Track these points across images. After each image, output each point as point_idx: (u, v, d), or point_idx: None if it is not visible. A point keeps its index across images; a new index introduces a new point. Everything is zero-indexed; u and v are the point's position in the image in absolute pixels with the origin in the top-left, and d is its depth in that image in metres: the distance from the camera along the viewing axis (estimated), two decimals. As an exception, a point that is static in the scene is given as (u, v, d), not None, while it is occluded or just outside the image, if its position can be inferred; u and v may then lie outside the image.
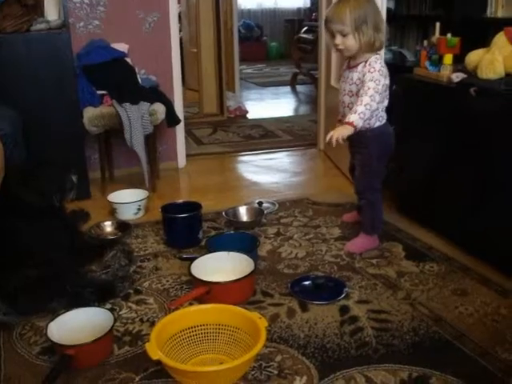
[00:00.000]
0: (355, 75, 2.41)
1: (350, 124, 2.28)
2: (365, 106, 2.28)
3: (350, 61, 2.48)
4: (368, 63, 2.36)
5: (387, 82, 2.38)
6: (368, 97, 2.29)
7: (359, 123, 2.29)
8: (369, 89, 2.30)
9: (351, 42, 2.33)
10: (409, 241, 2.68)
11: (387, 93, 2.42)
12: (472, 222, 2.46)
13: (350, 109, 2.39)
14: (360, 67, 2.39)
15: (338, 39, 2.35)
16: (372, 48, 2.36)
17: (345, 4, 2.31)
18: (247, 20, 10.77)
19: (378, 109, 2.38)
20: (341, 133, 2.28)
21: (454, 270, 2.37)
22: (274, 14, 11.27)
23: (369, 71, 2.34)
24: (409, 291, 2.21)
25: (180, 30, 3.98)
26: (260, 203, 3.15)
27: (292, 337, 1.93)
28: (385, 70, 2.37)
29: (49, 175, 2.46)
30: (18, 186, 2.38)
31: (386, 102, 2.44)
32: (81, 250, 2.47)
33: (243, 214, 3.00)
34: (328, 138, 2.30)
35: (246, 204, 3.12)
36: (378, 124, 2.45)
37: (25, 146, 2.90)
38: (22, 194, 2.34)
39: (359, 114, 2.28)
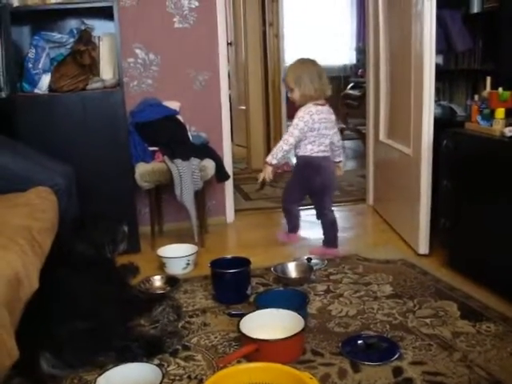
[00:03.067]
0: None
1: (266, 163, 3.11)
2: (276, 147, 3.11)
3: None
4: (300, 109, 3.10)
5: (310, 125, 3.06)
6: (282, 139, 3.12)
7: (272, 161, 3.08)
8: (286, 132, 3.13)
9: (294, 95, 3.10)
10: (463, 299, 2.59)
11: (314, 133, 3.09)
12: (531, 281, 2.36)
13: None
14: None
15: (289, 93, 3.14)
16: (310, 99, 3.08)
17: (290, 68, 3.15)
18: (294, 77, 10.93)
19: (298, 144, 3.11)
20: (264, 172, 3.12)
21: (513, 331, 2.27)
22: (320, 71, 11.43)
23: (294, 118, 3.08)
24: (465, 352, 2.12)
25: (229, 88, 4.06)
26: (309, 259, 3.12)
27: (344, 399, 1.86)
28: (307, 117, 3.05)
29: (102, 227, 2.52)
30: (73, 237, 2.44)
31: (313, 139, 3.11)
32: (130, 304, 2.47)
33: (292, 270, 2.97)
34: (259, 180, 3.18)
35: (294, 260, 3.10)
36: (301, 153, 3.15)
37: (78, 200, 2.98)
38: (76, 245, 2.39)
39: (272, 154, 3.11)
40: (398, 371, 2.02)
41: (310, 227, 3.85)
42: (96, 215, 2.68)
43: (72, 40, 3.31)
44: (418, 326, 2.36)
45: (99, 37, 3.34)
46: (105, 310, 2.23)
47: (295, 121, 3.08)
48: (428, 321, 2.40)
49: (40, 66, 3.20)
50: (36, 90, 3.21)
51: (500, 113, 2.64)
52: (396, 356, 2.10)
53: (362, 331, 2.32)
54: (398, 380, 1.96)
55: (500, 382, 1.92)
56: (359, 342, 2.20)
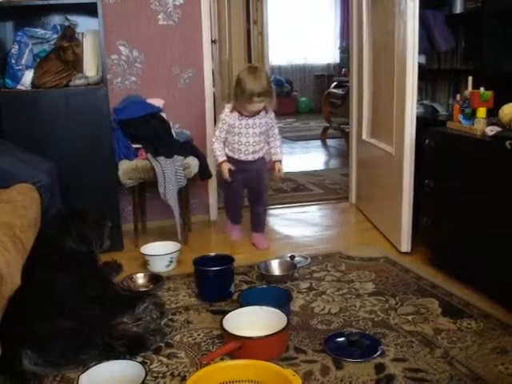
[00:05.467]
0: (263, 120, 3.21)
1: (281, 161, 3.33)
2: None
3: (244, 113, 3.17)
4: (270, 111, 3.23)
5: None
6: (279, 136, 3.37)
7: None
8: (276, 131, 3.32)
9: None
10: (445, 297, 2.62)
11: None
12: (510, 278, 2.39)
13: (256, 145, 3.24)
14: (263, 114, 3.21)
15: (262, 104, 3.11)
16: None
17: (264, 79, 3.07)
18: (278, 76, 10.95)
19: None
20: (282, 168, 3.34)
21: (493, 327, 2.30)
22: (303, 70, 11.45)
23: (271, 118, 3.25)
24: (446, 349, 2.15)
25: (213, 86, 4.06)
26: (292, 257, 3.12)
27: (326, 395, 1.88)
28: None
29: (89, 222, 2.53)
30: (62, 232, 2.43)
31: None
32: (113, 302, 2.47)
33: (275, 267, 2.98)
34: (282, 174, 3.36)
35: (278, 258, 3.11)
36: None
37: (60, 197, 2.96)
38: (67, 240, 2.39)
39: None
40: (380, 368, 2.03)
41: (295, 225, 3.88)
42: (83, 210, 2.67)
43: (55, 36, 3.29)
44: (400, 323, 2.38)
45: (83, 33, 3.32)
46: (88, 307, 2.23)
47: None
48: (410, 318, 2.42)
49: (23, 61, 3.18)
50: (19, 86, 3.19)
51: (481, 112, 2.67)
52: (378, 353, 2.11)
53: (344, 328, 2.34)
54: (380, 377, 1.98)
55: (480, 378, 1.95)
56: (342, 339, 2.22)
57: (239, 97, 3.09)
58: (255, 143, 3.25)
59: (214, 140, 3.25)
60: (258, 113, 3.18)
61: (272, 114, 3.26)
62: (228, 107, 3.22)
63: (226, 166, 3.22)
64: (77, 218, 2.60)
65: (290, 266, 2.97)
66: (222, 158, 3.23)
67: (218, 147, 3.23)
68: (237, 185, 3.33)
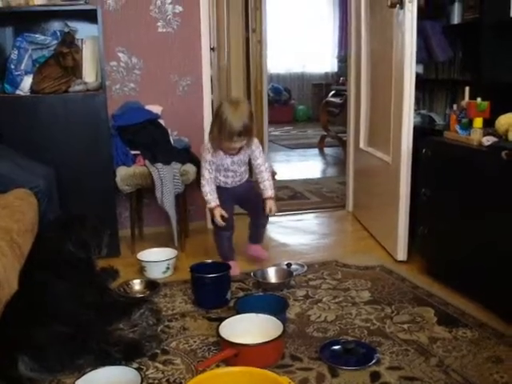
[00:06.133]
0: (246, 154, 3.05)
1: (272, 197, 3.10)
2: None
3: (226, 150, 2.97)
4: (255, 145, 3.04)
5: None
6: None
7: None
8: (260, 161, 3.08)
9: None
10: (440, 306, 2.62)
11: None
12: (506, 287, 2.40)
13: (242, 174, 3.10)
14: (245, 148, 3.00)
15: (244, 142, 2.92)
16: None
17: (246, 118, 2.84)
18: (276, 84, 10.99)
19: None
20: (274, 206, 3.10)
21: (488, 337, 2.30)
22: (301, 78, 11.50)
23: (258, 148, 3.07)
24: (442, 358, 2.15)
25: (211, 93, 4.07)
26: (289, 265, 3.13)
27: (322, 403, 1.88)
28: None
29: (89, 228, 2.54)
30: (62, 236, 2.44)
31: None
32: (109, 308, 2.47)
33: (272, 275, 2.98)
34: (274, 211, 3.10)
35: (274, 265, 3.11)
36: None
37: (58, 202, 2.97)
38: (67, 244, 2.40)
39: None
40: (375, 376, 2.04)
41: (292, 233, 3.88)
42: (83, 216, 2.68)
43: (55, 42, 3.30)
44: (396, 331, 2.38)
45: (82, 39, 3.33)
46: (84, 313, 2.23)
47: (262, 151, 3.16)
48: (405, 326, 2.42)
49: (22, 67, 3.20)
50: (18, 92, 3.20)
51: (478, 122, 2.68)
52: (374, 361, 2.12)
53: (340, 336, 2.34)
54: (376, 385, 1.98)
55: (475, 387, 1.96)
56: (337, 347, 2.22)
57: (218, 132, 2.87)
58: (242, 173, 3.11)
59: (204, 183, 3.00)
60: (239, 150, 3.01)
61: (254, 142, 3.04)
62: (210, 146, 2.99)
63: (219, 213, 2.98)
64: (77, 223, 2.61)
65: (287, 274, 2.97)
66: (214, 203, 2.99)
67: (210, 190, 2.99)
68: (229, 219, 3.07)
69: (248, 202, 3.20)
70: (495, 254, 2.46)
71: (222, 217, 2.99)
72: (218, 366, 2.08)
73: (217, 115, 2.89)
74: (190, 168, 3.45)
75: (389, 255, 3.31)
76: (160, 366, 2.13)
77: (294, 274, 3.00)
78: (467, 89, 2.87)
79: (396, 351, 2.21)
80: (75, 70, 3.28)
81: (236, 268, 3.03)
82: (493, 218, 2.47)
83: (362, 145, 4.01)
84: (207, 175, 3.00)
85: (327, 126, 7.79)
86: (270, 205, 3.09)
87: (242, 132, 2.84)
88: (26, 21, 3.32)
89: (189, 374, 2.07)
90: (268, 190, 3.10)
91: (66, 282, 2.31)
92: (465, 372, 2.04)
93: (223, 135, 2.85)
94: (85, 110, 3.20)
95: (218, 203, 3.00)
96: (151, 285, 2.90)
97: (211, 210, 3.03)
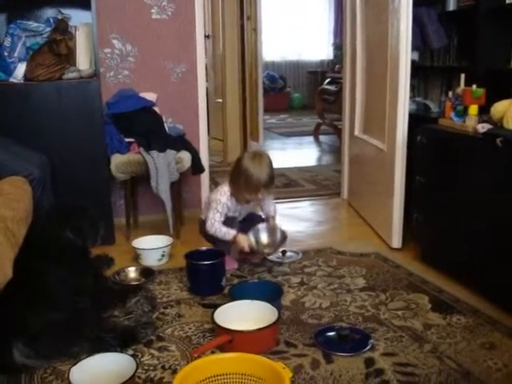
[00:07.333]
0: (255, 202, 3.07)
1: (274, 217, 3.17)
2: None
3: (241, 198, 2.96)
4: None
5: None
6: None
7: None
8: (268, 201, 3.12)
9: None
10: (435, 292, 2.64)
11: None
12: (500, 274, 2.41)
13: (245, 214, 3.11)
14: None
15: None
16: None
17: (269, 169, 2.87)
18: (271, 72, 10.95)
19: None
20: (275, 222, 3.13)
21: (482, 323, 2.32)
22: (297, 66, 11.46)
23: (271, 195, 3.10)
24: (436, 344, 2.16)
25: (206, 81, 4.05)
26: (284, 252, 3.14)
27: (316, 388, 1.89)
28: None
29: (87, 217, 2.54)
30: (61, 224, 2.44)
31: None
32: (104, 296, 2.47)
33: (265, 237, 3.01)
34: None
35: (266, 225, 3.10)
36: None
37: (52, 190, 2.96)
38: (66, 232, 2.40)
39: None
40: (369, 362, 2.05)
41: (287, 220, 3.88)
42: (84, 207, 2.68)
43: (48, 29, 3.28)
44: (390, 318, 2.40)
45: (76, 26, 3.31)
46: (79, 300, 2.23)
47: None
48: (400, 313, 2.44)
49: (16, 54, 3.17)
50: (11, 79, 3.17)
51: (473, 109, 2.68)
52: (368, 347, 2.13)
53: (334, 323, 2.35)
54: (370, 371, 1.99)
55: (469, 372, 1.97)
56: (332, 333, 2.23)
57: (245, 187, 2.86)
58: (246, 212, 3.13)
59: (217, 226, 2.90)
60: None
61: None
62: (227, 190, 2.95)
63: (243, 239, 2.92)
64: (76, 212, 2.61)
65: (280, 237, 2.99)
66: (233, 232, 2.91)
67: (220, 227, 2.90)
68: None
69: (249, 219, 3.14)
70: (490, 240, 2.47)
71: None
72: (212, 352, 2.09)
73: (239, 170, 2.87)
74: (184, 155, 3.44)
75: (384, 242, 3.32)
76: (155, 353, 2.14)
77: (289, 261, 3.06)
78: (462, 76, 2.86)
79: (390, 337, 2.22)
80: (69, 58, 3.26)
81: (233, 261, 3.02)
82: (487, 204, 2.47)
83: (357, 132, 4.00)
84: (218, 218, 2.91)
85: (322, 113, 7.78)
86: (272, 221, 3.14)
87: (268, 183, 2.87)
88: (20, 8, 3.29)
89: (184, 361, 2.08)
90: (272, 212, 3.17)
91: (61, 269, 2.31)
92: (459, 358, 2.06)
93: (250, 189, 2.86)
94: (79, 98, 3.18)
95: (236, 232, 2.92)
96: (146, 272, 2.90)
97: (234, 240, 2.92)
